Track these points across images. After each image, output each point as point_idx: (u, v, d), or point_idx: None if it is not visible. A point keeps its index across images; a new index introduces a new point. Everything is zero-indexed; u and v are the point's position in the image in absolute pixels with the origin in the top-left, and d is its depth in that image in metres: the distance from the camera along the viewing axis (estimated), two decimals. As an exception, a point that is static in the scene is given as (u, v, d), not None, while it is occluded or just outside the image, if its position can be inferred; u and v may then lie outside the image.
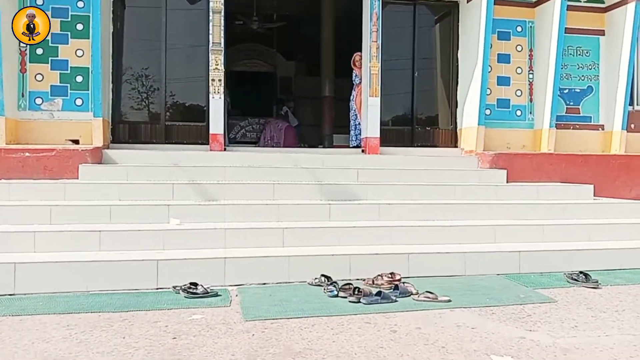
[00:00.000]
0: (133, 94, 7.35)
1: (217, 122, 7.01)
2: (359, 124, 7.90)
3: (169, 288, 4.09)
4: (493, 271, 4.74)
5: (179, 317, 3.47)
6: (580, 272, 4.53)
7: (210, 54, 7.01)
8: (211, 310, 3.61)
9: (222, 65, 7.04)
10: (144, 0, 7.45)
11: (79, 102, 6.81)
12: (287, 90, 13.57)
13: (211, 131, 7.02)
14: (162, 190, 5.67)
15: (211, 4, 7.00)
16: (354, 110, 7.97)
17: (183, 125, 7.38)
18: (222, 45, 7.04)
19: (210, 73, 7.01)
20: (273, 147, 10.14)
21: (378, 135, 7.40)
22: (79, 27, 6.78)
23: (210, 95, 7.01)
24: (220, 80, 7.02)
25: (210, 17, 7.00)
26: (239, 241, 4.72)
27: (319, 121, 11.54)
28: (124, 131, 7.24)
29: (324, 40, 11.39)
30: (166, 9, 7.35)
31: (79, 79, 6.81)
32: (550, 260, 4.89)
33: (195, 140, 7.33)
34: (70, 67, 6.81)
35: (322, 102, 11.42)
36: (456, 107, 8.02)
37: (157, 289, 4.13)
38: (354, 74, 7.94)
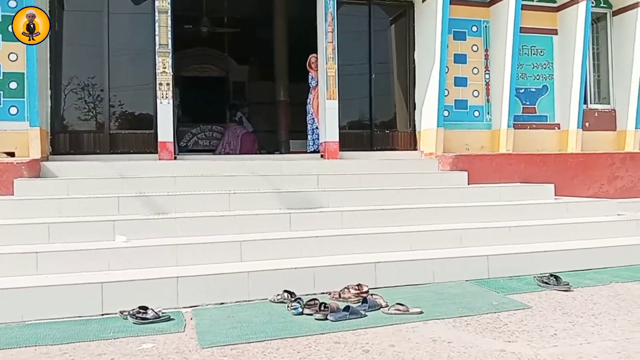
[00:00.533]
0: (74, 101, 6.84)
1: (165, 129, 6.60)
2: (317, 128, 7.65)
3: (115, 313, 3.69)
4: (462, 277, 4.56)
5: (126, 347, 3.09)
6: (551, 275, 4.41)
7: (156, 56, 6.61)
8: (163, 338, 3.24)
9: (170, 69, 6.65)
10: (84, 3, 6.95)
11: (13, 110, 6.27)
12: (241, 96, 13.18)
13: (160, 139, 6.60)
14: (107, 204, 5.24)
15: (157, 3, 6.60)
16: (311, 114, 7.71)
17: (129, 133, 6.93)
18: (170, 47, 6.65)
19: (157, 77, 6.60)
20: (229, 154, 9.75)
21: (337, 140, 7.17)
22: (11, 28, 6.24)
23: (158, 101, 6.60)
24: (168, 84, 6.62)
25: (156, 18, 6.60)
26: (192, 258, 4.36)
27: (275, 127, 11.20)
28: (65, 141, 6.72)
29: (277, 42, 11.08)
30: (108, 12, 6.87)
31: (13, 85, 6.27)
32: (519, 264, 4.75)
33: (143, 149, 6.89)
34: (3, 72, 6.27)
35: (277, 107, 11.10)
36: (414, 109, 7.89)
37: (103, 315, 3.72)
38: (310, 77, 7.69)
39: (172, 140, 6.65)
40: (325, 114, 7.16)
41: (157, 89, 6.60)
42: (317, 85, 7.56)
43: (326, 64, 7.16)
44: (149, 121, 6.99)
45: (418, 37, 7.81)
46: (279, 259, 4.48)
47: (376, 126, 7.85)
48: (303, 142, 8.66)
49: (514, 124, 7.68)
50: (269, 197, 5.65)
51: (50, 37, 6.58)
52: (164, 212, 5.28)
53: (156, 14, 6.60)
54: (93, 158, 6.51)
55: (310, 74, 7.68)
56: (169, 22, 6.65)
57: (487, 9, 7.94)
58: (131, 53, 7.01)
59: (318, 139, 7.63)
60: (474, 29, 7.92)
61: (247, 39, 13.27)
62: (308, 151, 7.84)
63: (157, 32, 6.60)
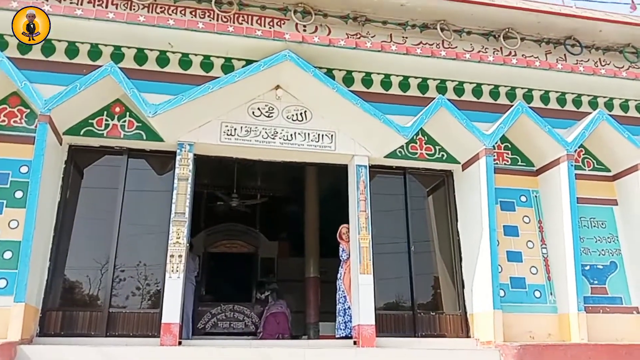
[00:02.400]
0: (75, 275, 6.09)
1: (172, 309, 5.66)
2: (349, 308, 6.56)
3: None
4: None
5: None
6: None
7: (171, 225, 5.96)
8: None
9: (185, 239, 5.94)
10: (101, 178, 6.60)
11: (2, 283, 5.50)
12: (269, 272, 12.36)
13: (164, 320, 5.63)
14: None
15: (177, 170, 6.16)
16: (342, 291, 6.69)
17: (130, 313, 5.98)
18: (187, 216, 6.03)
19: (169, 247, 5.87)
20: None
21: (373, 323, 6.03)
22: (18, 194, 5.75)
23: (167, 275, 5.78)
24: (180, 256, 5.86)
25: (175, 185, 6.11)
26: None
27: (304, 306, 10.10)
28: (57, 321, 5.79)
29: (309, 217, 10.56)
30: (124, 188, 6.40)
31: (7, 255, 5.57)
32: None
33: (145, 331, 5.87)
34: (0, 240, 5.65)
35: (307, 284, 10.13)
36: (463, 287, 6.78)
37: None
38: (340, 249, 6.85)
39: (177, 321, 5.65)
40: (359, 291, 6.15)
41: (168, 261, 5.83)
42: (348, 258, 6.68)
43: (359, 234, 6.37)
44: (156, 299, 6.10)
45: (461, 207, 7.05)
46: None
47: (419, 307, 6.69)
48: (334, 324, 7.54)
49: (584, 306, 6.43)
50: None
51: (60, 204, 6.12)
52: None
53: (175, 181, 6.13)
54: (85, 342, 5.51)
55: (340, 245, 6.86)
56: (189, 189, 6.13)
57: (534, 178, 7.26)
58: (143, 230, 6.42)
59: (350, 321, 6.49)
60: (523, 198, 7.14)
61: (278, 214, 12.94)
62: (337, 335, 6.65)
63: (174, 200, 6.05)
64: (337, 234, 6.95)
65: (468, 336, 6.53)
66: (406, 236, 6.92)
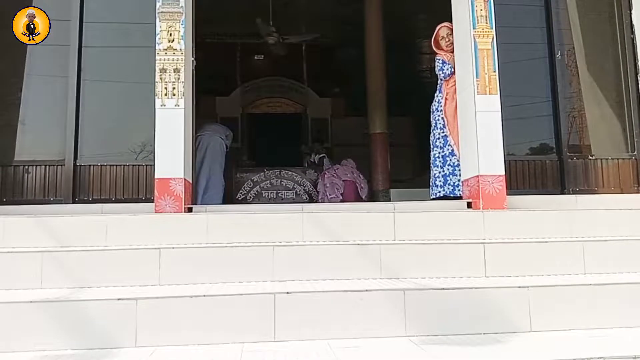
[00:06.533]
0: (18, 111, 3.89)
1: (170, 156, 3.43)
2: (452, 153, 4.15)
3: None
4: None
5: None
6: None
7: (157, 20, 3.54)
8: None
9: (184, 43, 3.54)
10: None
11: None
12: (321, 134, 10.14)
13: (157, 174, 3.42)
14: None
15: None
16: (441, 128, 4.22)
17: (110, 165, 3.80)
18: (182, 4, 3.56)
19: (157, 57, 3.51)
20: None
21: (502, 172, 3.62)
22: None
23: (157, 102, 3.48)
24: (177, 70, 3.50)
25: (157, -49, 3.60)
26: None
27: (368, 172, 7.87)
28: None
29: (371, 64, 7.94)
30: None
31: None
32: None
33: (135, 194, 3.73)
34: None
35: (372, 143, 7.79)
36: (639, 118, 4.20)
37: None
38: (438, 63, 4.26)
39: (181, 176, 3.44)
40: (477, 122, 3.67)
41: (157, 80, 3.49)
42: (453, 73, 4.14)
43: (473, 29, 3.75)
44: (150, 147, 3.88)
45: (638, -15, 4.26)
46: None
47: (569, 149, 4.19)
48: (407, 192, 5.93)
49: None
50: (375, 301, 2.22)
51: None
52: (107, 346, 2.01)
53: (158, -55, 3.61)
54: (34, 211, 3.44)
55: (438, 57, 4.27)
56: (184, -38, 3.61)
57: None
58: (116, 34, 4.01)
59: (455, 174, 4.13)
60: None
61: (329, 65, 10.46)
62: (433, 196, 4.32)
63: (159, -22, 3.57)
64: (432, 40, 4.35)
65: (646, 191, 4.08)
66: (547, 37, 4.25)
